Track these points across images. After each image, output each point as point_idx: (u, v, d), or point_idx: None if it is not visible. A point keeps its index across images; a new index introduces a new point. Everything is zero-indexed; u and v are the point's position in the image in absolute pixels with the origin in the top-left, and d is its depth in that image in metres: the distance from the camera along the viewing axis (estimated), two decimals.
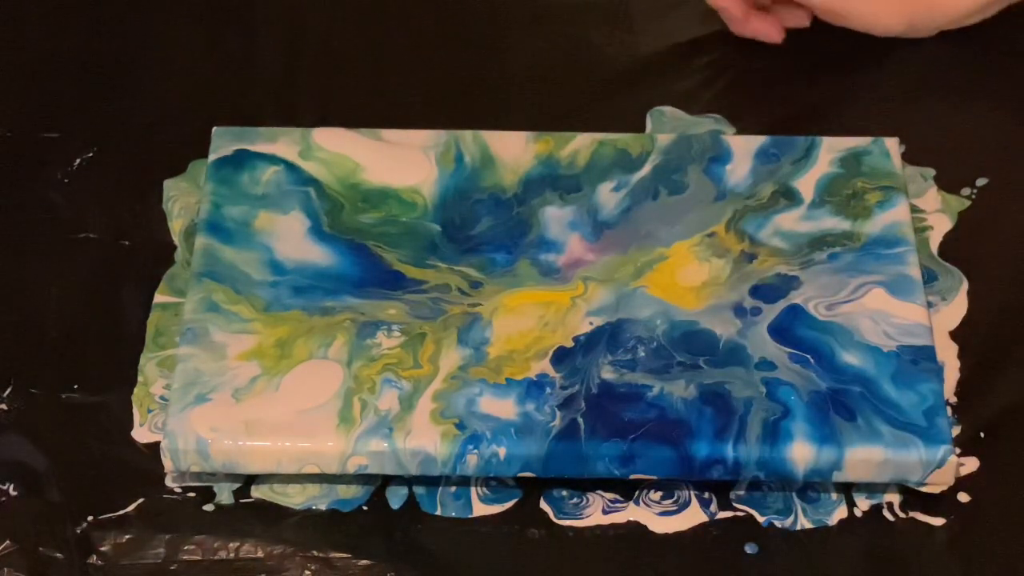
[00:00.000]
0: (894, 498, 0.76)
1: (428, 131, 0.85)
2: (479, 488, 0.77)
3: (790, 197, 0.83)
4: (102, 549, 0.75)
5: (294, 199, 0.83)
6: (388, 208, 0.83)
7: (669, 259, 0.81)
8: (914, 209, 0.85)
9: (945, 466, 0.74)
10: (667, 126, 0.89)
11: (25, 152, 0.89)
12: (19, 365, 0.80)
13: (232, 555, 0.75)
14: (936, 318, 0.81)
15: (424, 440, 0.74)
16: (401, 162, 0.84)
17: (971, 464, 0.77)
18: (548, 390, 0.76)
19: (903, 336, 0.77)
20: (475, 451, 0.74)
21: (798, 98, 0.91)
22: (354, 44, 0.95)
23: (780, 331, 0.78)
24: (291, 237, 0.81)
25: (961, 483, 0.76)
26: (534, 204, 0.83)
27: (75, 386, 0.79)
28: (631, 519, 0.76)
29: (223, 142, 0.85)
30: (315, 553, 0.75)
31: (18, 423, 0.78)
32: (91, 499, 0.76)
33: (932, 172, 0.87)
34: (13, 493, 0.76)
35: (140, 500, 0.76)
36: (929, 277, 0.82)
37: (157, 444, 0.76)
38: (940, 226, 0.85)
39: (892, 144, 0.85)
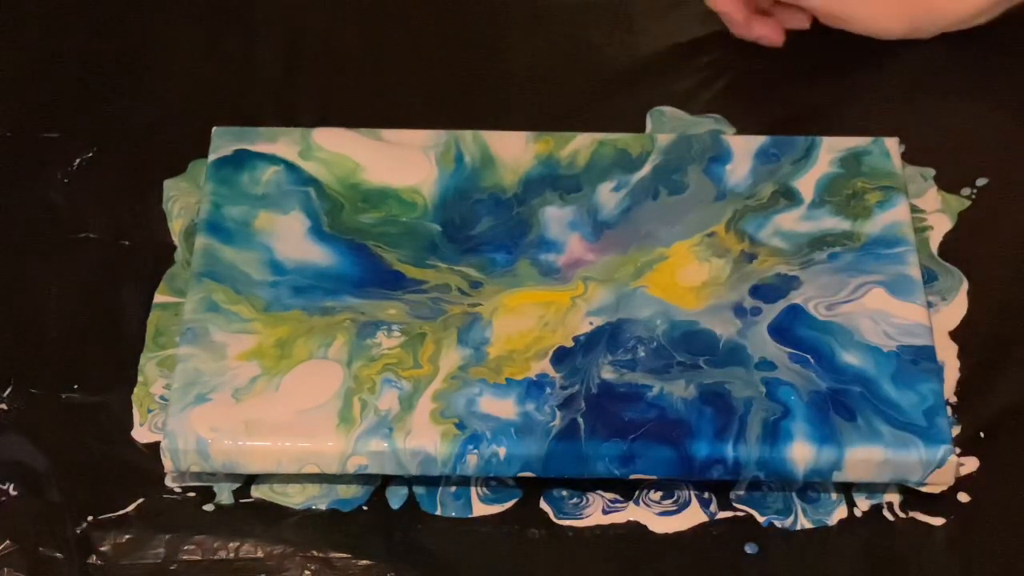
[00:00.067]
0: (894, 498, 0.76)
1: (428, 131, 0.85)
2: (479, 488, 0.77)
3: (790, 197, 0.83)
4: (102, 549, 0.75)
5: (294, 199, 0.83)
6: (388, 208, 0.83)
7: (669, 259, 0.81)
8: (914, 209, 0.85)
9: (945, 466, 0.74)
10: (667, 126, 0.89)
11: (25, 152, 0.89)
12: (19, 365, 0.80)
13: (232, 555, 0.75)
14: (936, 318, 0.81)
15: (424, 440, 0.74)
16: (401, 162, 0.84)
17: (971, 464, 0.77)
18: (548, 390, 0.76)
19: (903, 336, 0.77)
20: (475, 451, 0.74)
21: (798, 98, 0.91)
22: (354, 44, 0.95)
23: (780, 331, 0.78)
24: (291, 237, 0.81)
25: (961, 483, 0.76)
26: (534, 204, 0.83)
27: (75, 386, 0.79)
28: (631, 519, 0.76)
29: (223, 142, 0.85)
30: (315, 553, 0.75)
31: (18, 423, 0.78)
32: (91, 499, 0.76)
33: (932, 172, 0.87)
34: (13, 493, 0.76)
35: (140, 500, 0.76)
36: (929, 277, 0.82)
37: (157, 444, 0.76)
38: (940, 226, 0.85)
39: (892, 144, 0.85)
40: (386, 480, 0.77)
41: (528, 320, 0.78)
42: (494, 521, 0.76)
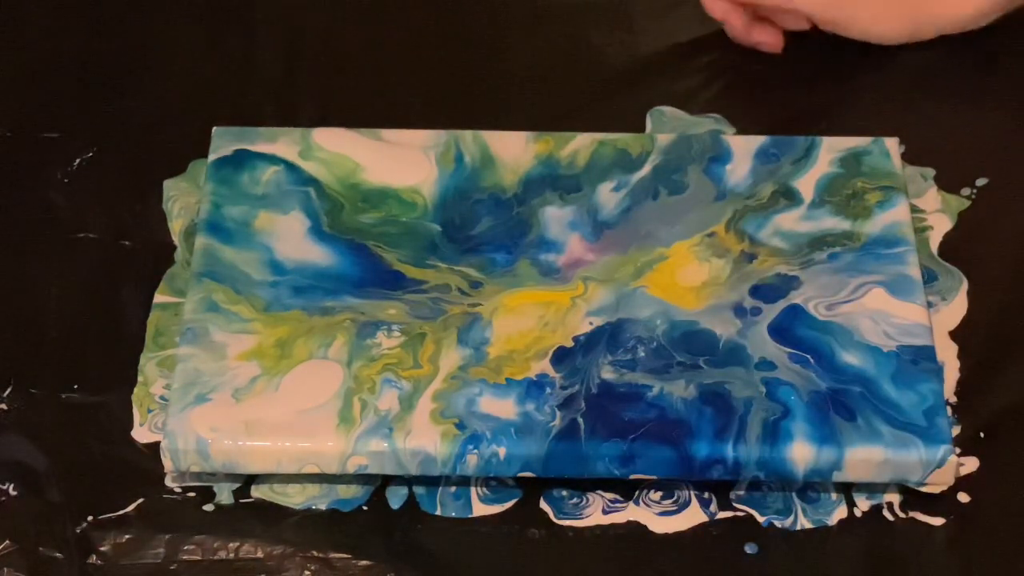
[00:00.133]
0: (894, 498, 0.76)
1: (428, 131, 0.85)
2: (479, 488, 0.77)
3: (790, 197, 0.83)
4: (102, 549, 0.75)
5: (294, 199, 0.83)
6: (388, 208, 0.83)
7: (669, 259, 0.81)
8: (914, 209, 0.85)
9: (945, 466, 0.74)
10: (667, 126, 0.89)
11: (25, 152, 0.89)
12: (19, 365, 0.80)
13: (232, 555, 0.75)
14: (936, 318, 0.81)
15: (424, 440, 0.74)
16: (401, 162, 0.84)
17: (971, 464, 0.77)
18: (548, 390, 0.76)
19: (903, 336, 0.77)
20: (475, 451, 0.74)
21: (798, 98, 0.91)
22: (354, 44, 0.95)
23: (780, 331, 0.78)
24: (291, 237, 0.81)
25: (961, 483, 0.76)
26: (534, 204, 0.83)
27: (75, 386, 0.79)
28: (631, 519, 0.76)
29: (223, 142, 0.85)
30: (315, 553, 0.75)
31: (18, 423, 0.78)
32: (91, 499, 0.76)
33: (932, 172, 0.87)
34: (13, 493, 0.76)
35: (140, 500, 0.76)
36: (929, 277, 0.82)
37: (157, 444, 0.76)
38: (940, 226, 0.85)
39: (892, 144, 0.85)
40: (386, 480, 0.77)
41: (528, 320, 0.78)
42: (494, 521, 0.76)
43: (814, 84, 0.92)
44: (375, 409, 0.75)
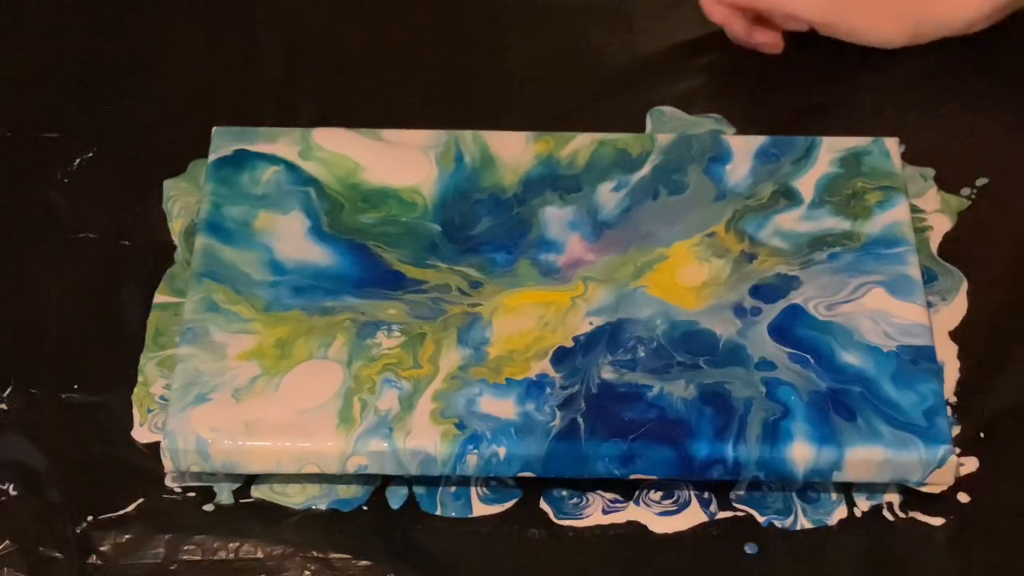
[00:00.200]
0: (894, 498, 0.76)
1: (428, 131, 0.85)
2: (479, 488, 0.77)
3: (790, 197, 0.83)
4: (102, 549, 0.75)
5: (294, 199, 0.83)
6: (388, 208, 0.83)
7: (669, 259, 0.81)
8: (914, 209, 0.85)
9: (945, 466, 0.74)
10: (667, 126, 0.89)
11: (25, 152, 0.89)
12: (19, 365, 0.80)
13: (232, 555, 0.75)
14: (936, 318, 0.81)
15: (424, 440, 0.74)
16: (401, 162, 0.84)
17: (971, 464, 0.77)
18: (548, 390, 0.76)
19: (903, 336, 0.77)
20: (475, 451, 0.74)
21: (798, 98, 0.91)
22: (354, 44, 0.95)
23: (780, 331, 0.78)
24: (291, 237, 0.81)
25: (961, 483, 0.76)
26: (534, 204, 0.83)
27: (75, 386, 0.79)
28: (631, 519, 0.76)
29: (223, 142, 0.85)
30: (315, 553, 0.75)
31: (18, 423, 0.78)
32: (91, 499, 0.76)
33: (932, 172, 0.87)
34: (13, 493, 0.76)
35: (140, 500, 0.76)
36: (929, 277, 0.82)
37: (157, 444, 0.76)
38: (940, 226, 0.85)
39: (892, 144, 0.85)
40: (386, 480, 0.77)
41: (528, 320, 0.78)
42: (494, 521, 0.76)
43: (814, 84, 0.92)
44: (375, 409, 0.75)
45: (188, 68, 0.93)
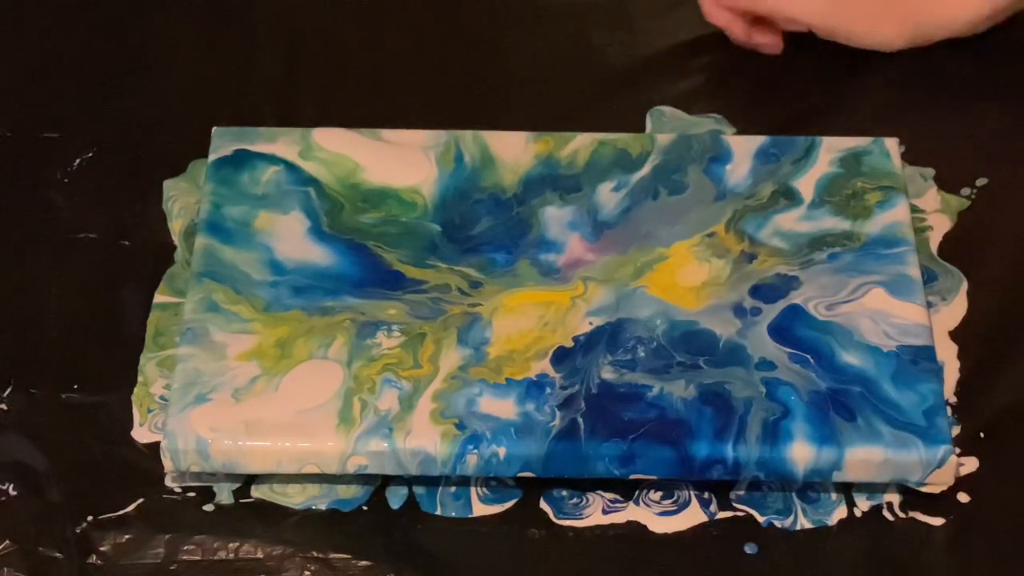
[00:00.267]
0: (894, 498, 0.76)
1: (428, 131, 0.85)
2: (479, 488, 0.76)
3: (790, 197, 0.83)
4: (102, 549, 0.75)
5: (294, 199, 0.83)
6: (388, 208, 0.83)
7: (669, 259, 0.81)
8: (914, 209, 0.85)
9: (945, 466, 0.74)
10: (667, 126, 0.89)
11: (25, 152, 0.89)
12: (19, 365, 0.80)
13: (232, 555, 0.75)
14: (936, 318, 0.81)
15: (424, 440, 0.74)
16: (401, 162, 0.84)
17: (971, 464, 0.77)
18: (548, 390, 0.76)
19: (903, 336, 0.77)
20: (475, 451, 0.74)
21: (798, 98, 0.91)
22: (354, 44, 0.95)
23: (780, 331, 0.78)
24: (291, 237, 0.81)
25: (961, 483, 0.76)
26: (534, 204, 0.83)
27: (75, 386, 0.79)
28: (631, 519, 0.76)
29: (223, 142, 0.85)
30: (315, 553, 0.75)
31: (18, 423, 0.78)
32: (91, 499, 0.76)
33: (932, 172, 0.87)
34: (13, 493, 0.76)
35: (140, 500, 0.76)
36: (929, 277, 0.82)
37: (157, 444, 0.76)
38: (940, 226, 0.85)
39: (892, 144, 0.85)
40: (386, 480, 0.77)
41: (528, 320, 0.78)
42: (494, 521, 0.76)
43: (814, 84, 0.92)
44: (375, 409, 0.75)
45: (188, 68, 0.93)
